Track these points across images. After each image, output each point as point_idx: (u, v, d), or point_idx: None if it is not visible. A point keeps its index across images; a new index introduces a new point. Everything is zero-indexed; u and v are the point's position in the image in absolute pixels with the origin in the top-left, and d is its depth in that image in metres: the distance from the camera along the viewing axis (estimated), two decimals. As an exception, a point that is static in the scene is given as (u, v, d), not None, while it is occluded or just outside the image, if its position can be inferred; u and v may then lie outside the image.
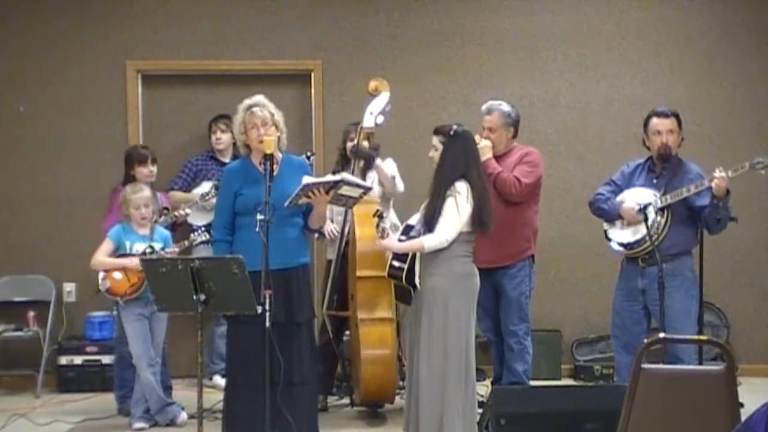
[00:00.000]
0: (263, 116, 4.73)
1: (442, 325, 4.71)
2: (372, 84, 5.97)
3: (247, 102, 4.81)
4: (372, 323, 5.62)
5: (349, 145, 5.98)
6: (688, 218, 5.29)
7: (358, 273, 5.59)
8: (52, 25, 7.02)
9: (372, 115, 5.86)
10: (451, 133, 4.79)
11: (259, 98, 4.84)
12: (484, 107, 5.74)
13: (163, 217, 5.97)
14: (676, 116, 5.37)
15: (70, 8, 7.04)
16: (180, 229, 6.28)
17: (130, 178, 6.03)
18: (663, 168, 5.36)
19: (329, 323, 5.90)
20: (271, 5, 7.11)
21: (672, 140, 5.32)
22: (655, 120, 5.36)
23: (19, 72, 7.03)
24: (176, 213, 6.04)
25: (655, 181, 5.35)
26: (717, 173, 5.05)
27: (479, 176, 4.84)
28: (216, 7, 7.12)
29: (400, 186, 5.95)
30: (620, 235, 5.31)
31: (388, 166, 5.97)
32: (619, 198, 5.38)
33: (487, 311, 5.61)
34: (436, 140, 4.83)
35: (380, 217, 4.72)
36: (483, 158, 5.25)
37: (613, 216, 5.37)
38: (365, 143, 5.86)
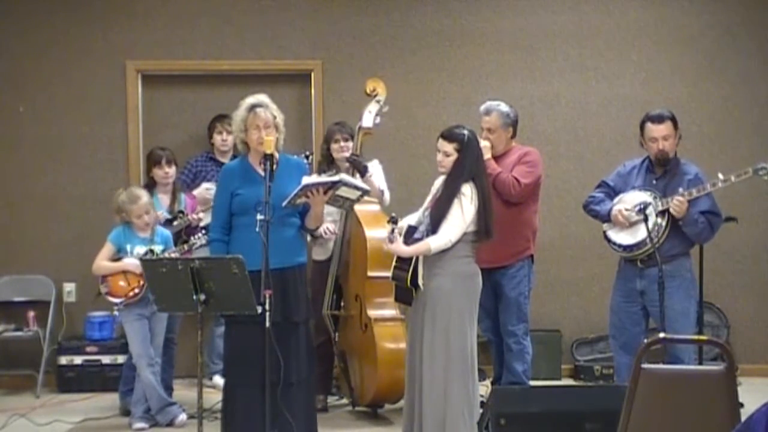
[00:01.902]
0: (266, 118, 4.72)
1: (445, 326, 4.72)
2: (369, 85, 5.99)
3: (251, 101, 4.77)
4: (385, 322, 5.65)
5: (335, 146, 5.94)
6: (686, 220, 5.28)
7: (369, 273, 5.60)
8: (52, 25, 7.02)
9: (371, 115, 5.89)
10: (466, 140, 4.79)
11: (263, 98, 4.80)
12: (482, 108, 5.73)
13: (177, 221, 5.96)
14: (672, 119, 5.30)
15: (70, 8, 7.04)
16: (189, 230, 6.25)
17: (150, 180, 6.07)
18: (664, 171, 5.34)
19: (331, 323, 5.91)
20: (271, 5, 7.11)
21: (668, 145, 5.27)
22: (649, 126, 5.29)
23: (19, 72, 7.03)
24: (190, 218, 6.01)
25: (654, 182, 5.32)
26: (675, 199, 5.07)
27: (486, 181, 4.90)
28: (216, 7, 7.11)
29: (387, 199, 5.94)
30: (620, 237, 5.28)
31: (375, 172, 5.94)
32: (616, 200, 5.36)
33: (486, 311, 5.60)
34: (449, 147, 4.80)
35: (394, 222, 4.73)
36: (482, 159, 5.26)
37: (603, 218, 5.36)
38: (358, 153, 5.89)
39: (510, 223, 5.38)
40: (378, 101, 5.92)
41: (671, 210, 5.10)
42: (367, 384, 5.72)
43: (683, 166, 5.36)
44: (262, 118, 4.71)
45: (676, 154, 5.37)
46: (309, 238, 5.96)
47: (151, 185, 6.04)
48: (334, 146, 5.96)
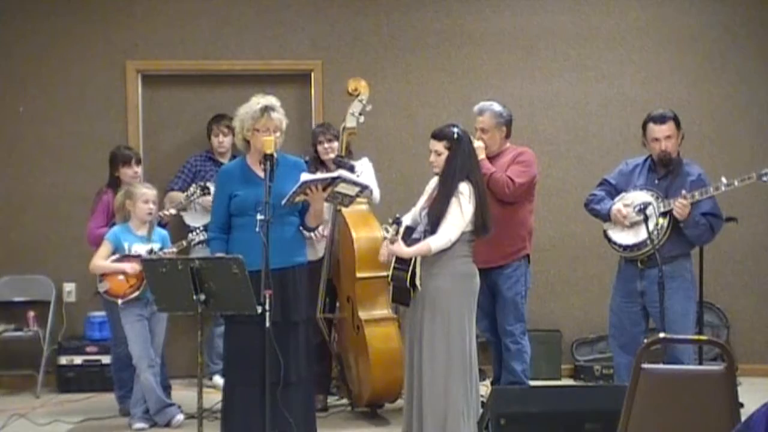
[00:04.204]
0: (278, 122, 4.71)
1: (444, 326, 4.72)
2: (351, 84, 6.04)
3: (264, 102, 4.71)
4: (377, 323, 5.65)
5: (321, 148, 5.96)
6: (687, 221, 5.27)
7: (359, 274, 5.60)
8: (52, 25, 7.02)
9: (354, 116, 5.96)
10: (456, 137, 4.80)
11: (274, 101, 4.76)
12: (476, 108, 5.73)
13: None
14: (674, 119, 5.27)
15: (70, 8, 7.04)
16: (170, 228, 6.22)
17: (115, 180, 6.01)
18: (667, 172, 5.32)
19: (325, 326, 5.91)
20: (271, 5, 7.10)
21: (671, 146, 5.25)
22: (652, 126, 5.27)
23: (19, 72, 7.03)
24: (160, 213, 6.00)
25: (657, 182, 5.30)
26: (678, 201, 5.05)
27: (480, 177, 4.90)
28: (216, 7, 7.11)
29: (377, 197, 5.96)
30: (621, 237, 5.27)
31: (365, 168, 5.96)
32: (617, 199, 5.34)
33: (484, 311, 5.59)
34: (439, 146, 4.82)
35: (398, 223, 4.73)
36: (476, 159, 5.25)
37: (604, 217, 5.35)
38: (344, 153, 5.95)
39: (505, 223, 5.37)
40: (360, 101, 5.98)
41: (674, 212, 5.10)
42: (363, 385, 5.72)
43: (686, 166, 5.34)
44: (274, 123, 4.69)
45: (678, 154, 5.35)
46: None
47: (115, 185, 5.96)
48: (319, 148, 5.99)
